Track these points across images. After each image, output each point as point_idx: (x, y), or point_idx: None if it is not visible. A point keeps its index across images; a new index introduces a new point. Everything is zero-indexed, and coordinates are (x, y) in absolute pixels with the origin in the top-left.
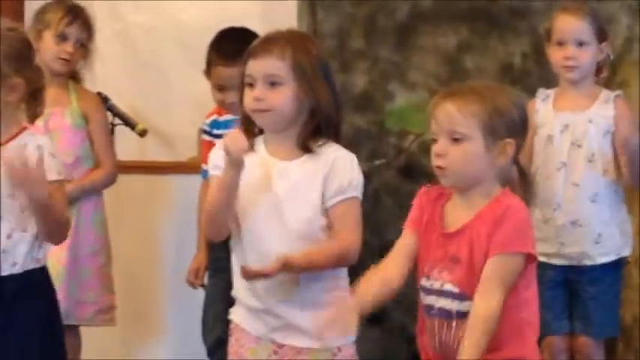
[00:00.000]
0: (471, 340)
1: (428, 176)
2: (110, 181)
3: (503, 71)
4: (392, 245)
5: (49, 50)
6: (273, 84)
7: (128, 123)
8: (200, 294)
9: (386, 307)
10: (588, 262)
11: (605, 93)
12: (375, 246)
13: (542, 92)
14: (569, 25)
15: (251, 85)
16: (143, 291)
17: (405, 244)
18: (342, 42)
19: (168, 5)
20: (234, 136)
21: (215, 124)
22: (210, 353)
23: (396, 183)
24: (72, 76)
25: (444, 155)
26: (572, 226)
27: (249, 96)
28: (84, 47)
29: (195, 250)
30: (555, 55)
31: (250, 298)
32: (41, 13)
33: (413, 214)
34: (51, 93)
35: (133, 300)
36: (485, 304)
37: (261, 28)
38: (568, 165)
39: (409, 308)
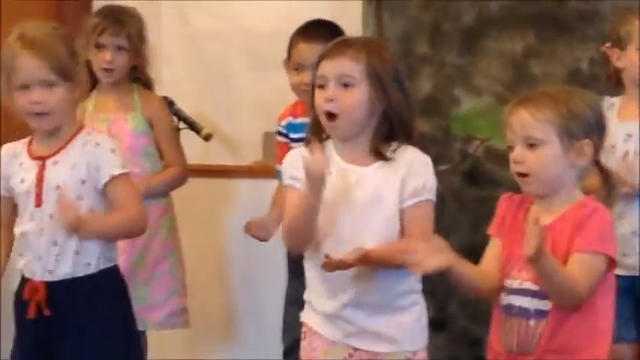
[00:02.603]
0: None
1: (493, 182)
2: (180, 180)
3: (570, 77)
4: (456, 250)
5: (93, 61)
6: (345, 85)
7: (193, 127)
8: (268, 297)
9: (450, 313)
10: None
11: None
12: None
13: (607, 100)
14: None
15: (323, 87)
16: (209, 295)
17: (491, 252)
18: (407, 47)
19: (234, 10)
20: (315, 157)
21: (291, 127)
22: (286, 354)
23: (461, 188)
24: (143, 82)
25: (523, 162)
26: (633, 236)
27: (320, 97)
28: (127, 51)
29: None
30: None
31: (324, 304)
32: (85, 23)
33: (495, 220)
34: (114, 99)
35: (199, 303)
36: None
37: None
38: None
39: (473, 313)
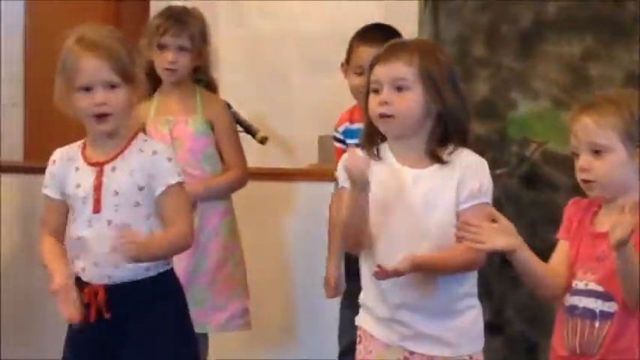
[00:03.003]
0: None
1: (550, 185)
2: (240, 184)
3: (628, 80)
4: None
5: (155, 61)
6: (399, 89)
7: (249, 130)
8: (326, 299)
9: (507, 317)
10: None
11: None
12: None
13: None
14: None
15: (377, 91)
16: (268, 297)
17: (559, 254)
18: (463, 49)
19: (290, 13)
20: (355, 158)
21: (348, 133)
22: (342, 356)
23: (518, 192)
24: (206, 84)
25: (589, 169)
26: None
27: (374, 101)
28: (189, 51)
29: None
30: None
31: (380, 307)
32: (148, 24)
33: (564, 224)
34: (176, 101)
35: (258, 305)
36: None
37: None
38: None
39: (530, 318)
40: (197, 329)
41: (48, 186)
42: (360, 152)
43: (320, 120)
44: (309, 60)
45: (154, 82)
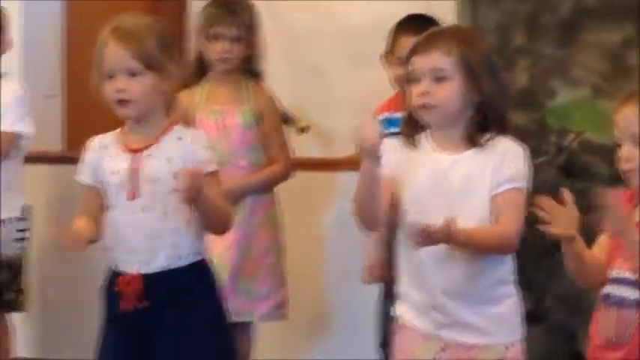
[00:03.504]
0: None
1: (589, 174)
2: (283, 177)
3: None
4: (551, 244)
5: (207, 51)
6: (439, 79)
7: (289, 121)
8: (365, 290)
9: (547, 306)
10: None
11: None
12: (535, 245)
13: None
14: None
15: (416, 82)
16: (307, 286)
17: (601, 244)
18: (503, 39)
19: (328, 5)
20: (366, 126)
21: (388, 122)
22: (382, 345)
23: (557, 181)
24: (254, 75)
25: (632, 159)
26: None
27: (414, 92)
28: (240, 41)
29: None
30: None
31: (418, 294)
32: (199, 14)
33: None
34: (225, 91)
35: (297, 295)
36: None
37: None
38: None
39: (571, 306)
40: (244, 318)
41: (82, 172)
42: (373, 122)
43: (359, 110)
44: (349, 52)
45: (202, 71)
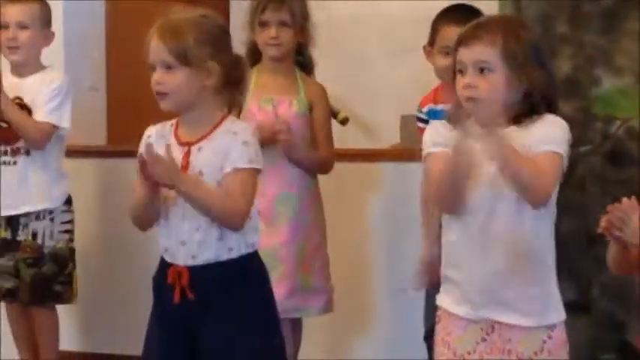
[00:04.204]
0: None
1: (634, 162)
2: (327, 166)
3: None
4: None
5: (258, 39)
6: (483, 70)
7: (330, 111)
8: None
9: (593, 295)
10: None
11: None
12: (581, 232)
13: None
14: None
15: (462, 72)
16: (352, 278)
17: None
18: (546, 27)
19: None
20: (462, 147)
21: (432, 113)
22: (426, 337)
23: (602, 169)
24: (304, 65)
25: None
26: None
27: (459, 83)
28: (290, 26)
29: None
30: None
31: (459, 274)
32: (250, 3)
33: None
34: (277, 80)
35: (342, 287)
36: None
37: None
38: None
39: (617, 296)
40: (301, 314)
41: None
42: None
43: (401, 100)
44: (390, 41)
45: (256, 61)
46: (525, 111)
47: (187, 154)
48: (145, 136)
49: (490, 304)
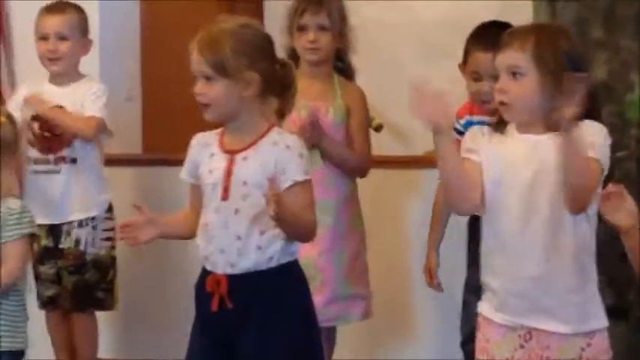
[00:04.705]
0: None
1: None
2: (363, 170)
3: None
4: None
5: (296, 43)
6: (514, 75)
7: None
8: (448, 286)
9: (631, 301)
10: None
11: None
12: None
13: None
14: None
15: (496, 78)
16: (388, 284)
17: None
18: (581, 32)
19: (404, 1)
20: (435, 100)
21: (469, 125)
22: (463, 344)
23: (638, 174)
24: (343, 70)
25: None
26: None
27: (495, 88)
28: (328, 30)
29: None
30: None
31: (498, 280)
32: (289, 7)
33: None
34: (315, 86)
35: (378, 294)
36: None
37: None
38: None
39: None
40: (340, 322)
41: (184, 169)
42: (435, 97)
43: None
44: (424, 47)
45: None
46: None
47: (231, 162)
48: (190, 145)
49: (528, 311)
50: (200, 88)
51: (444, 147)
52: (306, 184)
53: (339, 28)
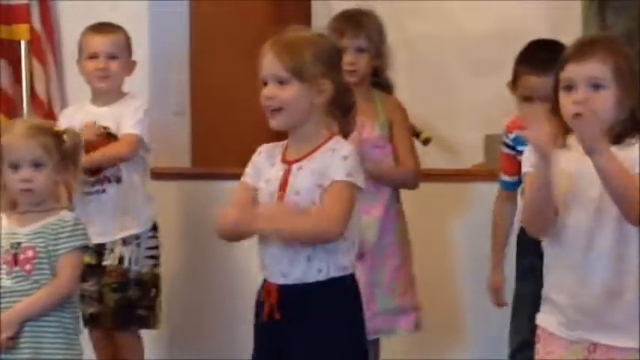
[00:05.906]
0: None
1: None
2: (413, 181)
3: None
4: None
5: None
6: (596, 87)
7: (412, 131)
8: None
9: None
10: None
11: None
12: None
13: None
14: None
15: (569, 89)
16: (436, 297)
17: None
18: (631, 45)
19: (450, 13)
20: (539, 133)
21: (519, 140)
22: (512, 355)
23: None
24: (383, 86)
25: None
26: None
27: (567, 99)
28: (367, 52)
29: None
30: None
31: (562, 295)
32: (326, 29)
33: None
34: (358, 105)
35: (427, 307)
36: None
37: (546, 35)
38: None
39: None
40: (383, 334)
41: (247, 174)
42: (538, 119)
43: (484, 119)
44: (472, 60)
45: None
46: (628, 130)
47: (287, 172)
48: (257, 151)
49: (595, 327)
50: (271, 91)
51: (539, 173)
52: (344, 184)
53: (377, 47)
